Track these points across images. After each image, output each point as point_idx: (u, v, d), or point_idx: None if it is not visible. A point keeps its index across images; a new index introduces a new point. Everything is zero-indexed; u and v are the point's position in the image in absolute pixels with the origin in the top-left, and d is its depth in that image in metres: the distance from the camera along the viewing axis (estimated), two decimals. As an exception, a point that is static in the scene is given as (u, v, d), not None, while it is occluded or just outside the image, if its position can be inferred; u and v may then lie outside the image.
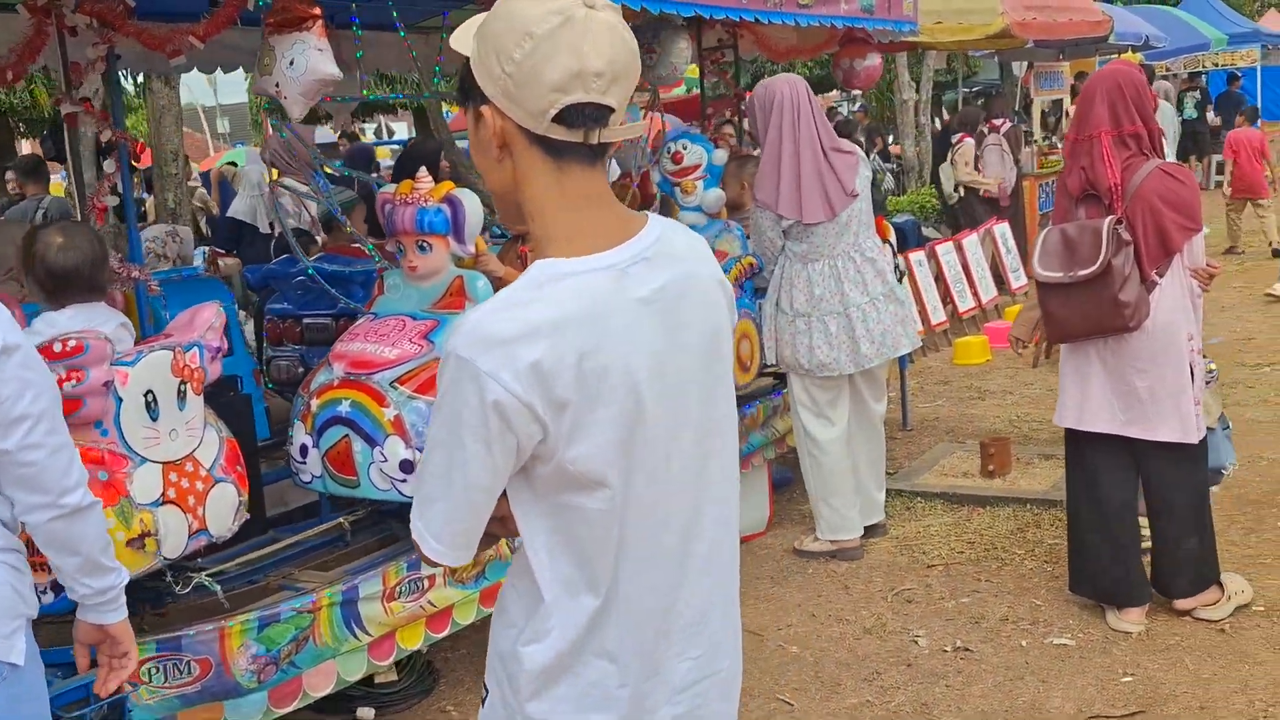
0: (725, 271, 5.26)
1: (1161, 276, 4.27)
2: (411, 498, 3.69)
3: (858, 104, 24.22)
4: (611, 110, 1.76)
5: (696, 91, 8.30)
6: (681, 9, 4.72)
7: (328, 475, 3.89)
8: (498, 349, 1.65)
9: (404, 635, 3.85)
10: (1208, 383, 4.56)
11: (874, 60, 6.62)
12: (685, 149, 5.40)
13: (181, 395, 3.36)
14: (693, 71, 6.60)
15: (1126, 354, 4.31)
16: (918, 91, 16.15)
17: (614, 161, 5.56)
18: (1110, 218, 4.21)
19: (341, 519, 4.07)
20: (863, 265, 5.24)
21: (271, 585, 3.83)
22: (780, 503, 6.06)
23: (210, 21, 3.50)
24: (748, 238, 5.40)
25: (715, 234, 5.44)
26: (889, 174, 17.54)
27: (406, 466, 3.78)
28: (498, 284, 4.39)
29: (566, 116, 1.73)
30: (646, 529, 1.80)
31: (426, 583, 3.88)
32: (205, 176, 13.96)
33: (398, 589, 3.77)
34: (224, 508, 3.44)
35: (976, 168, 11.73)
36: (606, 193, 1.85)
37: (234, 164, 12.74)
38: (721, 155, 5.46)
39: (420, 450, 3.76)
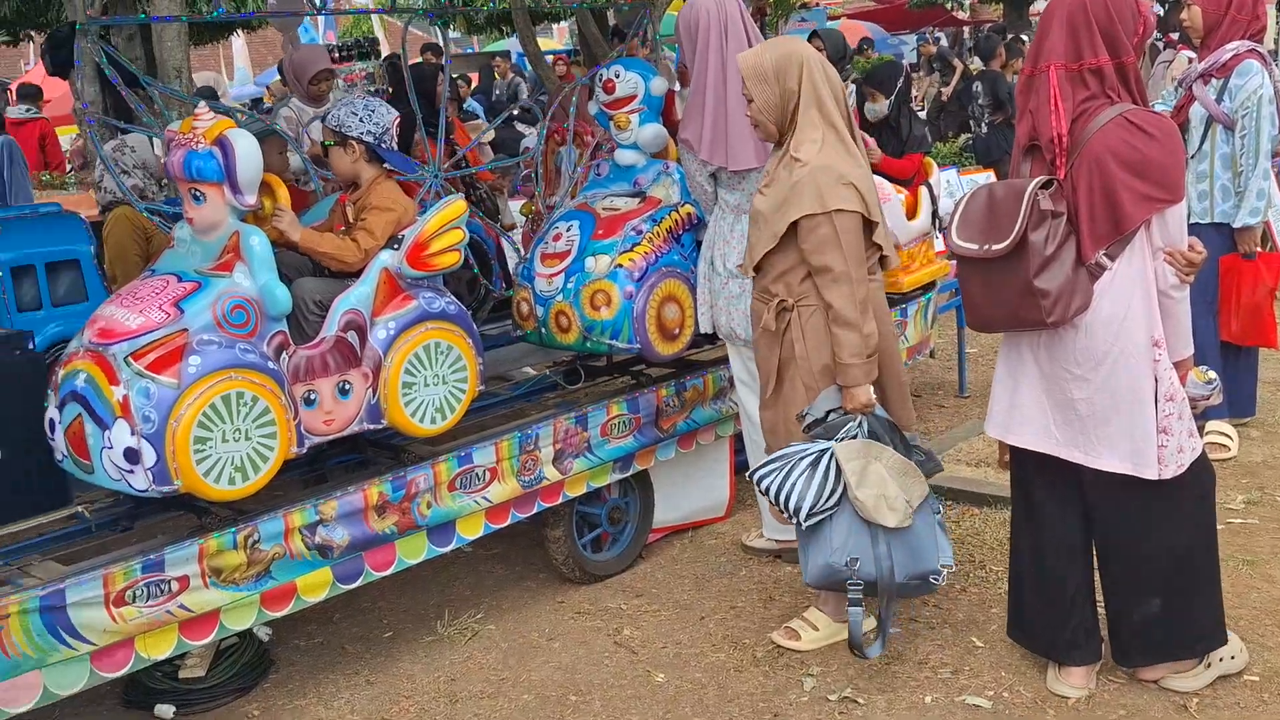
0: (657, 222, 4.62)
1: (1113, 260, 3.28)
2: (143, 492, 3.20)
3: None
4: None
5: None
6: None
7: (70, 457, 3.42)
8: None
9: (146, 643, 3.36)
10: (1203, 403, 3.54)
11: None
12: (618, 77, 4.62)
13: None
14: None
15: (1061, 356, 3.37)
16: None
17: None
18: (1037, 179, 3.26)
19: (81, 506, 3.60)
20: None
21: (3, 577, 3.40)
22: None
23: None
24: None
25: (653, 177, 4.67)
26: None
27: (132, 456, 3.26)
28: (292, 248, 3.82)
29: None
30: None
31: (176, 585, 3.37)
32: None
33: (129, 593, 3.28)
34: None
35: None
36: None
37: None
38: (661, 84, 4.65)
39: (147, 438, 3.24)
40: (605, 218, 4.56)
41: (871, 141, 5.79)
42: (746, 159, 4.22)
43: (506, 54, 18.73)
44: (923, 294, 5.90)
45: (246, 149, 3.44)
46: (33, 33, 13.18)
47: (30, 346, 3.85)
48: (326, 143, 3.99)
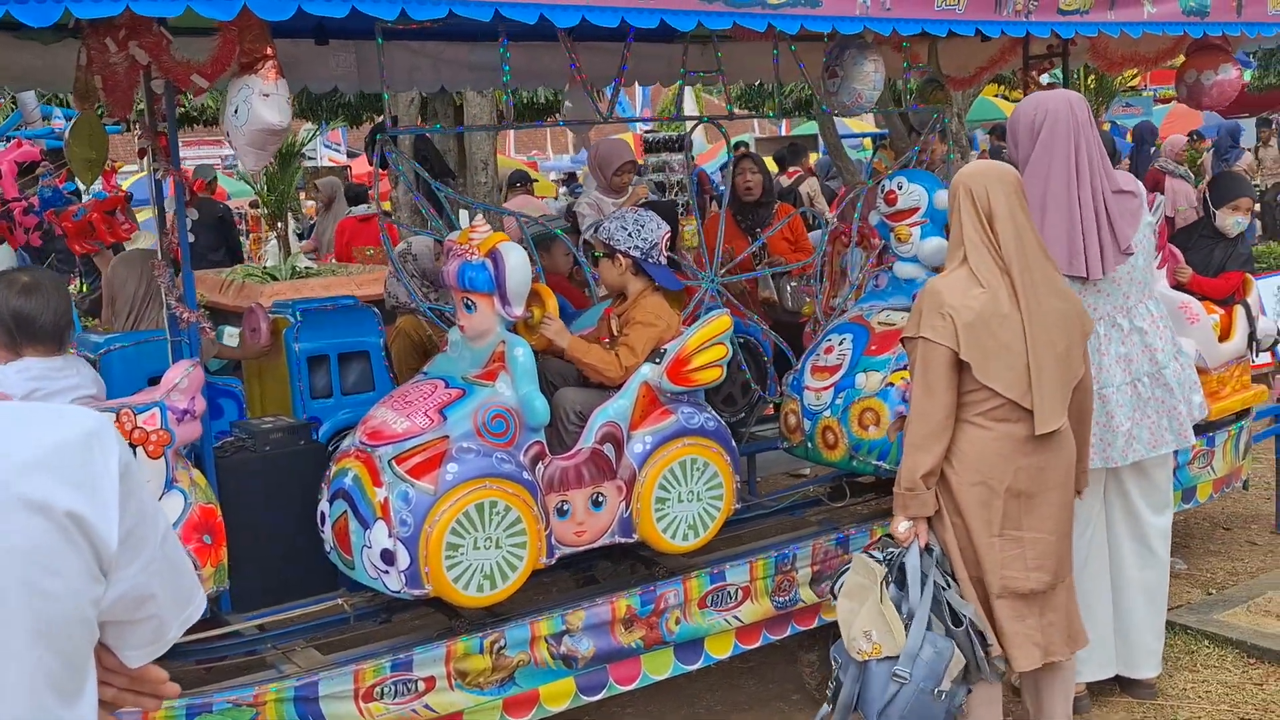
0: None
1: None
2: (395, 593, 3.30)
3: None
4: None
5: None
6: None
7: (335, 550, 3.57)
8: None
9: (390, 738, 3.44)
10: None
11: (1229, 73, 5.18)
12: (900, 188, 4.48)
13: (127, 460, 3.17)
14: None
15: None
16: None
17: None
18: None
19: (341, 599, 3.72)
20: (1130, 336, 4.13)
21: (269, 660, 3.57)
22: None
23: (214, 62, 3.24)
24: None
25: (932, 292, 4.48)
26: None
27: (388, 557, 3.36)
28: (555, 355, 3.87)
29: None
30: None
31: (423, 685, 3.44)
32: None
33: (378, 689, 3.37)
34: (170, 581, 3.22)
35: None
36: None
37: None
38: (944, 198, 4.46)
39: (402, 541, 3.34)
40: (880, 332, 4.41)
41: (1180, 257, 5.40)
42: (1080, 267, 4.00)
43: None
44: (1235, 421, 5.42)
45: (516, 263, 3.53)
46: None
47: (314, 437, 4.07)
48: (596, 254, 4.05)
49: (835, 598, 3.56)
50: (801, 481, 5.40)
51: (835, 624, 4.09)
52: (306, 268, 9.62)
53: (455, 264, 3.60)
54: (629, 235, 3.95)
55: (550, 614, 3.66)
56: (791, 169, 11.42)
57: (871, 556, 3.48)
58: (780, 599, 4.08)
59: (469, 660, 3.51)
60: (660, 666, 3.90)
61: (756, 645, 4.10)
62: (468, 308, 3.61)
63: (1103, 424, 4.09)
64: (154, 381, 3.84)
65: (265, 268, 9.78)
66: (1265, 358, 7.88)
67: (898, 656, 3.31)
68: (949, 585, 3.42)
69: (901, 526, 3.45)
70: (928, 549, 3.45)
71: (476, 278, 3.54)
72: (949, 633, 3.34)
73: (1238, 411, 5.44)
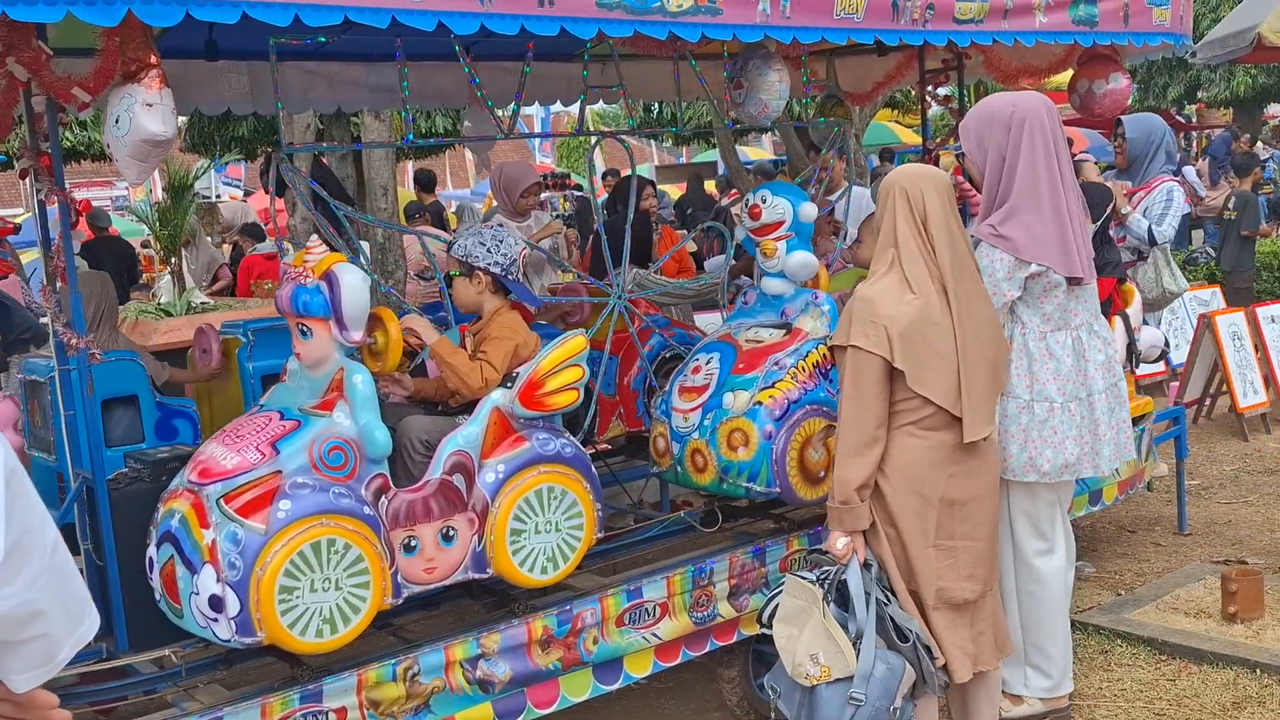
0: (803, 356, 4.27)
1: None
2: (226, 641, 3.10)
3: None
4: None
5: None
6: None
7: (164, 598, 3.36)
8: None
9: (302, 775, 3.24)
10: None
11: (1119, 82, 5.19)
12: (764, 202, 4.35)
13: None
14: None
15: None
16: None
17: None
18: None
19: (170, 651, 3.46)
20: (1105, 345, 4.09)
21: (170, 699, 3.37)
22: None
23: (97, 74, 3.07)
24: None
25: (801, 307, 4.33)
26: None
27: (216, 603, 3.16)
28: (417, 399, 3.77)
29: None
30: None
31: (333, 716, 3.26)
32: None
33: (290, 724, 3.17)
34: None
35: None
36: None
37: None
38: (810, 211, 4.36)
39: (231, 586, 3.15)
40: (747, 350, 4.28)
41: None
42: (1076, 267, 3.90)
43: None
44: (1135, 425, 5.37)
45: (353, 284, 3.35)
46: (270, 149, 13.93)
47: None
48: (453, 273, 3.93)
49: (762, 624, 3.48)
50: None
51: (753, 639, 4.08)
52: (203, 303, 9.38)
53: (289, 288, 3.42)
54: (488, 251, 3.83)
55: (465, 637, 3.52)
56: (733, 191, 11.79)
57: (803, 577, 3.38)
58: (699, 614, 3.97)
59: (381, 689, 3.35)
60: (579, 688, 3.77)
61: (676, 662, 3.98)
62: (303, 334, 3.43)
63: (1090, 432, 3.99)
64: (109, 403, 3.77)
65: (160, 304, 9.54)
66: (1159, 366, 7.96)
67: (848, 678, 3.22)
68: (889, 600, 3.35)
69: (840, 543, 3.35)
70: (866, 564, 3.36)
71: (311, 302, 3.37)
72: (896, 648, 3.27)
73: (1136, 416, 5.40)
